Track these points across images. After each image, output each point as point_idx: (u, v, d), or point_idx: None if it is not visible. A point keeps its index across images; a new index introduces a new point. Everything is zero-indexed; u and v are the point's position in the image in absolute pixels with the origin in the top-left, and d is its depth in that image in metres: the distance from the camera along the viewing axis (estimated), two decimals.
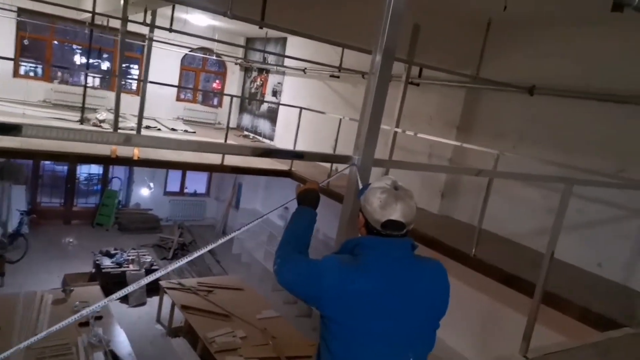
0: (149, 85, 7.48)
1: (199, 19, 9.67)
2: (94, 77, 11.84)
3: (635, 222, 4.88)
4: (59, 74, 11.29)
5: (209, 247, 1.81)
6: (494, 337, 4.48)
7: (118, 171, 12.36)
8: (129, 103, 10.06)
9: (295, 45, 10.30)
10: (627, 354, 3.26)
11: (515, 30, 5.79)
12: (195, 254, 1.80)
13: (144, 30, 8.23)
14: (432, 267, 1.71)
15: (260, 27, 4.41)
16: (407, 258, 1.66)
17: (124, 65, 11.34)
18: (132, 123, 9.43)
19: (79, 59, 12.16)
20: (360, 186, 1.93)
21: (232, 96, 10.44)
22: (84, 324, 6.10)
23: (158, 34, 7.83)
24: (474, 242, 5.03)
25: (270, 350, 6.35)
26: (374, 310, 1.59)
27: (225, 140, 7.99)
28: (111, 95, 11.43)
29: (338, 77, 9.08)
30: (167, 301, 7.71)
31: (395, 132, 6.07)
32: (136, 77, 12.39)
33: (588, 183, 3.57)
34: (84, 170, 12.29)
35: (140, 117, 7.34)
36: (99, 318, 6.33)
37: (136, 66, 12.71)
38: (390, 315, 1.60)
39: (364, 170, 2.08)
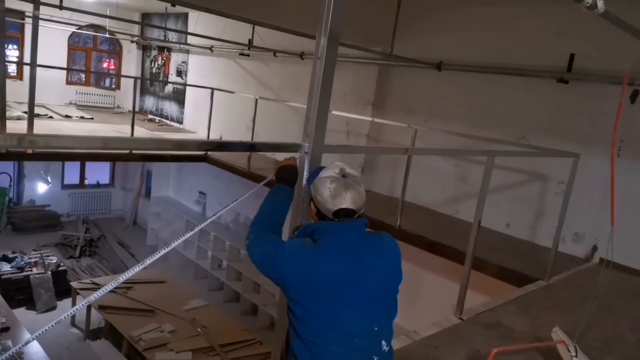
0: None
1: None
2: None
3: (535, 185, 5.42)
4: None
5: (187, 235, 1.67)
6: (424, 303, 4.77)
7: (6, 166, 11.07)
8: (9, 89, 8.93)
9: (200, 22, 9.80)
10: (543, 306, 3.64)
11: (424, 8, 6.01)
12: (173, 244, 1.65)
13: (21, 5, 7.29)
14: (384, 240, 1.78)
15: (173, 5, 4.12)
16: (362, 238, 1.72)
17: None
18: (18, 112, 8.45)
19: None
20: (307, 173, 1.94)
21: (134, 78, 9.70)
22: None
23: (42, 10, 6.96)
24: (397, 213, 5.26)
25: (202, 340, 6.20)
26: (337, 292, 1.63)
27: (132, 126, 7.45)
28: None
29: (248, 55, 8.83)
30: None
31: None
32: (15, 59, 11.04)
33: (508, 154, 3.86)
34: None
35: (32, 105, 6.56)
36: (5, 329, 5.75)
37: (14, 46, 11.30)
38: (354, 295, 1.65)
39: (316, 157, 2.06)
